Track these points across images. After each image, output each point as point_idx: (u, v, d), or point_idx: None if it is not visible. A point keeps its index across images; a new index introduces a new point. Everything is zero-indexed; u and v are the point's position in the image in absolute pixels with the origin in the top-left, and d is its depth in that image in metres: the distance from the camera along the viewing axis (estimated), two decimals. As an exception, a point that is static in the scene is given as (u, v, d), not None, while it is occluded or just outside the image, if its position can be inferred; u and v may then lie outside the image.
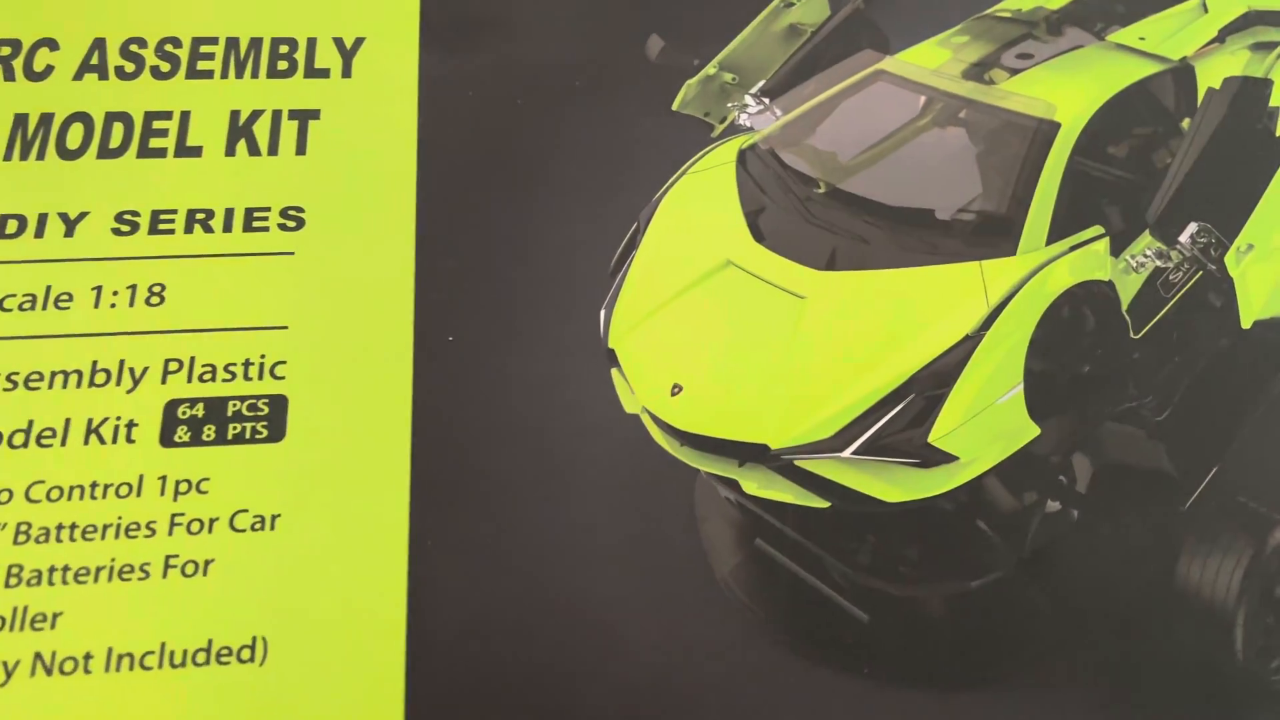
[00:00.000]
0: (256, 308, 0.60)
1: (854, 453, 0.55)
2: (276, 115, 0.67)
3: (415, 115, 0.68)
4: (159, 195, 0.63)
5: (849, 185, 0.63)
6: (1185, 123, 0.66)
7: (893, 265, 0.59)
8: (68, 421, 0.56)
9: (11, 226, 0.61)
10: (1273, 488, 0.61)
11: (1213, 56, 0.70)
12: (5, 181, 0.63)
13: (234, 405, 0.57)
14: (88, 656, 0.51)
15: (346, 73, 0.69)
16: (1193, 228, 0.61)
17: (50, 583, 0.52)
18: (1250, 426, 0.63)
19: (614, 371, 0.60)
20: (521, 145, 0.69)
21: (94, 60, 0.68)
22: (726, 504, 0.61)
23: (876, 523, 0.59)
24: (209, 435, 0.56)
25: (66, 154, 0.64)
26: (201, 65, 0.69)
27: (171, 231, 0.62)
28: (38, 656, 0.50)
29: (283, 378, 0.58)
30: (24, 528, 0.53)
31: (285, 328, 0.59)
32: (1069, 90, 0.64)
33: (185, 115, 0.66)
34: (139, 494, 0.54)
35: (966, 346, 0.55)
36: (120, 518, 0.54)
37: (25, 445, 0.55)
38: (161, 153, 0.65)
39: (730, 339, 0.58)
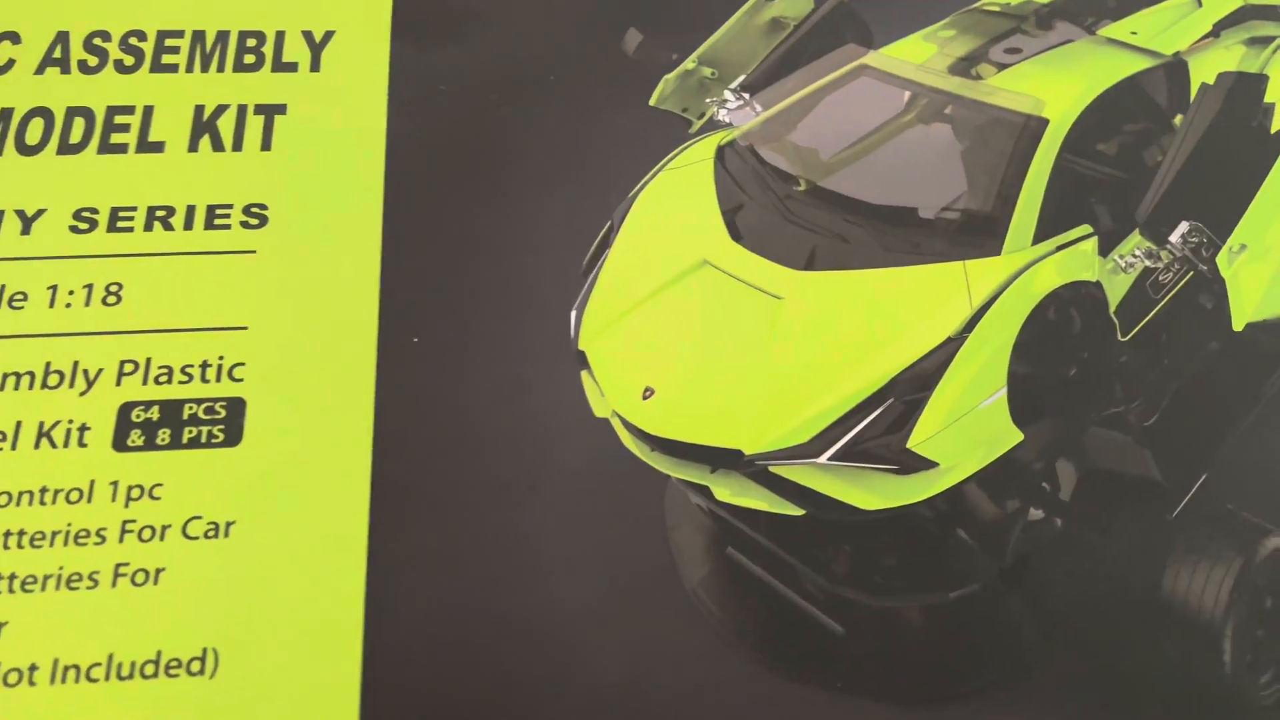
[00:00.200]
0: (216, 308, 0.59)
1: (830, 458, 0.53)
2: (242, 110, 0.66)
3: (385, 110, 0.67)
4: (119, 192, 0.62)
5: (830, 183, 0.62)
6: (1178, 119, 0.65)
7: (874, 265, 0.57)
8: (18, 424, 0.55)
9: (-34, 224, 0.60)
10: (1263, 496, 0.60)
11: (1207, 51, 0.69)
12: (-39, 178, 0.62)
13: (190, 408, 0.56)
14: (33, 668, 0.49)
15: (315, 67, 0.68)
16: (1184, 227, 0.59)
17: (-4, 592, 0.51)
18: (1241, 432, 0.62)
19: (584, 374, 0.59)
20: (494, 141, 0.68)
21: (56, 54, 0.67)
22: (698, 511, 0.59)
23: (852, 531, 0.57)
24: (163, 439, 0.55)
25: (26, 150, 0.63)
26: (166, 59, 0.68)
27: (131, 229, 0.61)
28: (-19, 668, 0.49)
29: (241, 380, 0.57)
30: (-30, 535, 0.52)
31: (245, 328, 0.58)
32: (1058, 86, 0.63)
33: (148, 110, 0.65)
34: (90, 500, 0.53)
35: (948, 349, 0.54)
36: (70, 524, 0.52)
37: (-26, 449, 0.54)
38: (123, 148, 0.64)
39: (705, 341, 0.57)
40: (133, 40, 0.68)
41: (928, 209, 0.60)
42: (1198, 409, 0.62)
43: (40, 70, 0.66)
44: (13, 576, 0.51)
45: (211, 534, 0.53)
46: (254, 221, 0.62)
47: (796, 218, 0.60)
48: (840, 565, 0.58)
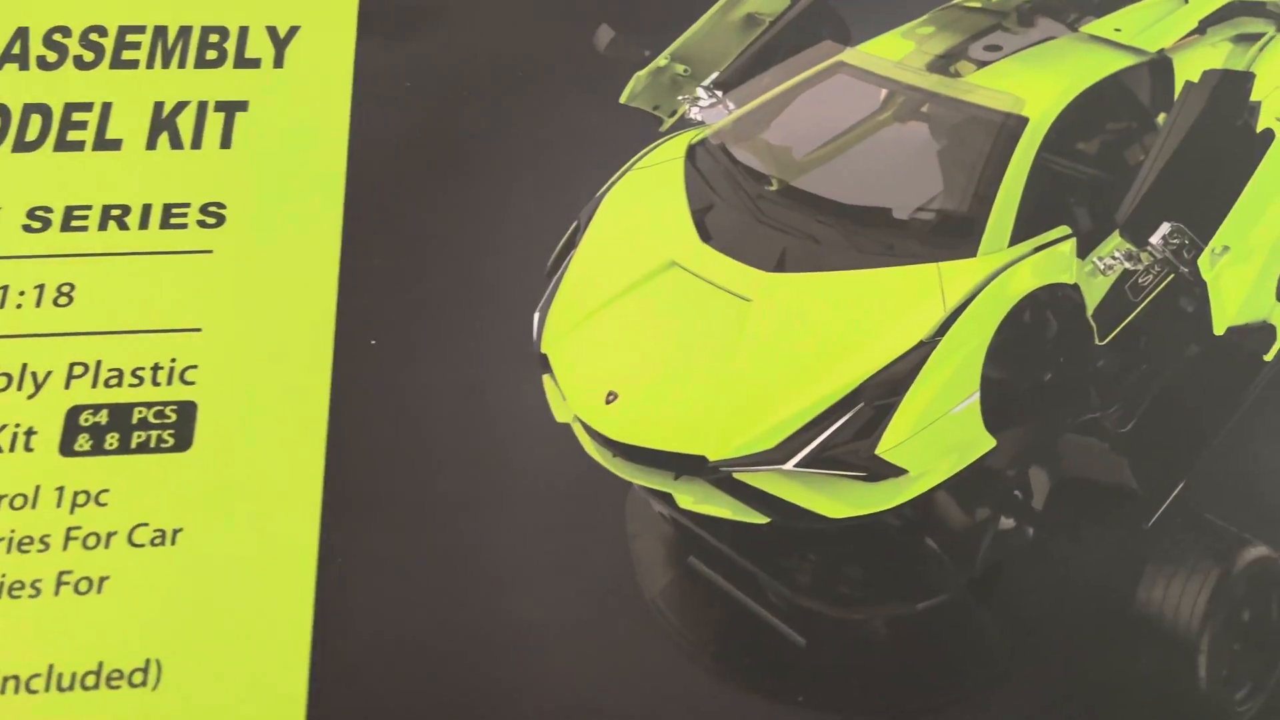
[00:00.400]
0: (169, 309, 0.58)
1: (797, 465, 0.52)
2: (202, 107, 0.65)
3: (348, 108, 0.66)
4: (74, 190, 0.61)
5: (803, 182, 0.60)
6: (1161, 118, 0.64)
7: (845, 267, 0.56)
8: (-37, 429, 0.54)
9: (-83, 223, 0.59)
10: (1242, 505, 0.59)
11: (1192, 49, 0.68)
12: (-86, 176, 0.61)
13: (140, 412, 0.55)
14: (-29, 679, 0.48)
15: (279, 63, 0.67)
16: (1165, 228, 0.58)
17: (-65, 600, 0.50)
18: (1219, 439, 0.61)
19: (545, 378, 0.58)
20: (459, 140, 0.67)
21: (15, 50, 0.66)
22: (659, 519, 0.58)
23: (818, 540, 0.56)
24: (112, 444, 0.54)
25: (-20, 148, 0.62)
26: (126, 55, 0.67)
27: (85, 229, 0.60)
28: (-83, 679, 0.48)
29: (193, 383, 0.56)
30: (-89, 542, 0.51)
31: (199, 330, 0.57)
32: (1038, 84, 0.62)
33: (106, 107, 0.64)
34: (34, 506, 0.52)
35: (920, 353, 0.53)
36: (13, 531, 0.51)
37: (-83, 454, 0.53)
38: (79, 146, 0.63)
39: (671, 344, 0.56)
40: (93, 36, 0.67)
41: (902, 209, 0.59)
42: (1176, 415, 0.61)
43: (-2, 67, 0.66)
44: (-46, 585, 0.50)
45: (158, 541, 0.52)
46: (211, 221, 0.61)
47: (768, 218, 0.59)
48: (804, 575, 0.57)
